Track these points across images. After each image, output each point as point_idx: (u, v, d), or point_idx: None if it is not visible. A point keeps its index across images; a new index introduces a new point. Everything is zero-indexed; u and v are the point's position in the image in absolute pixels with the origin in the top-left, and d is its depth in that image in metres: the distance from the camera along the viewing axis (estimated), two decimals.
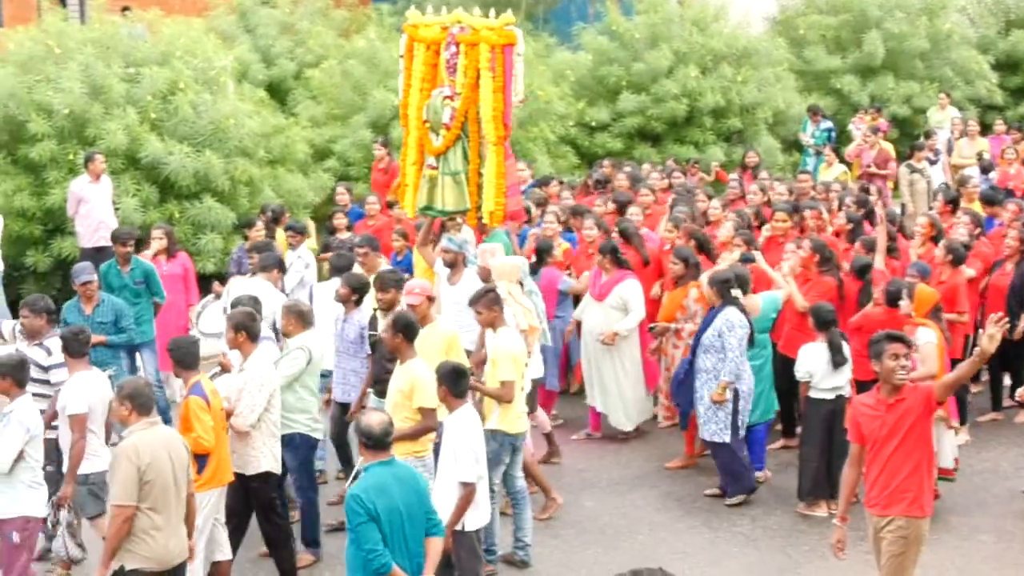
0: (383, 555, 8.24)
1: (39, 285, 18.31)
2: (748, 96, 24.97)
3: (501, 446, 11.08)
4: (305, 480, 11.55)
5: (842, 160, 22.93)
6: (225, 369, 11.46)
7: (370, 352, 12.33)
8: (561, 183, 19.56)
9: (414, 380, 10.35)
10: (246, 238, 16.32)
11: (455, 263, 13.50)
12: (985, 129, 26.08)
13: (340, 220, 17.53)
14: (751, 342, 12.71)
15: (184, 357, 10.36)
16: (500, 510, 11.40)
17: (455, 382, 9.78)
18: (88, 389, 10.70)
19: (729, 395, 12.48)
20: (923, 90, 27.72)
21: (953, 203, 17.16)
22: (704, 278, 13.29)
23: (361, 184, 21.17)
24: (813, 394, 12.38)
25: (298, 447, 11.33)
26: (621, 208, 16.82)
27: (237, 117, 19.70)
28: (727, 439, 12.54)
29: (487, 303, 11.36)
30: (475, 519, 9.78)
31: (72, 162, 18.74)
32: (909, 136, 26.02)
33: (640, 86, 24.70)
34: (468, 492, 9.53)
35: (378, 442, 8.50)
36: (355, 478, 9.74)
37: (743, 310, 12.64)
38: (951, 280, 14.03)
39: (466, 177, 14.03)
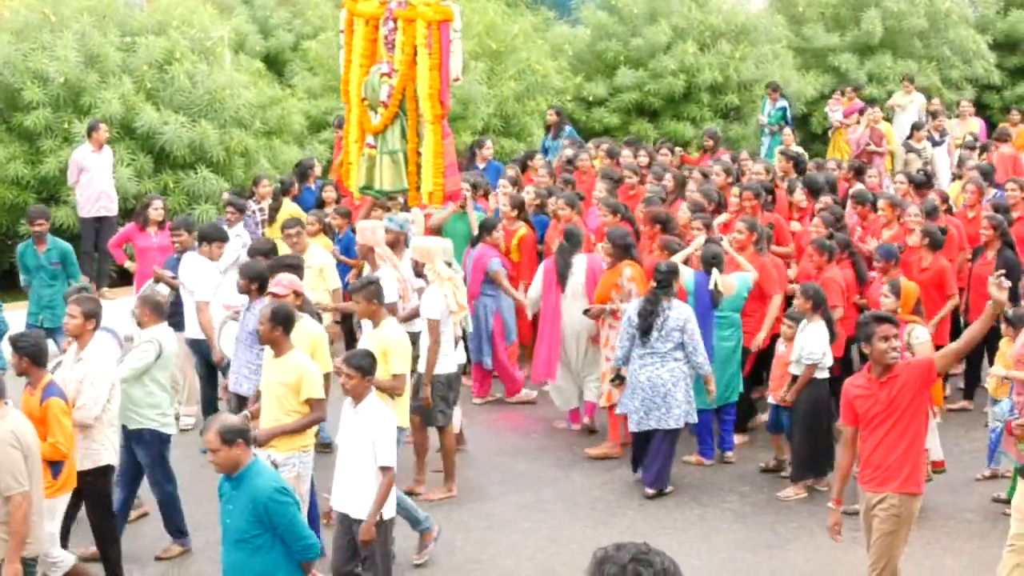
0: (314, 537, 8.32)
1: None
2: (746, 73, 24.95)
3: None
4: (160, 475, 11.00)
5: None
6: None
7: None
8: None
9: (301, 372, 9.98)
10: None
11: (396, 243, 13.22)
12: (981, 109, 26.07)
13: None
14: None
15: (34, 353, 9.64)
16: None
17: (371, 370, 9.42)
18: None
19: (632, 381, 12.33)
20: (921, 69, 27.66)
21: (920, 187, 16.92)
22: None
23: None
24: (816, 374, 12.20)
25: (148, 443, 10.86)
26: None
27: (233, 88, 19.69)
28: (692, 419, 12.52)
29: (367, 295, 10.96)
30: (390, 508, 9.48)
31: (67, 131, 18.73)
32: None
33: (638, 61, 24.70)
34: (390, 477, 9.24)
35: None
36: None
37: (648, 299, 12.23)
38: (934, 265, 13.91)
39: (404, 157, 13.75)
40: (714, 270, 12.94)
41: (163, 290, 13.31)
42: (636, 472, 12.60)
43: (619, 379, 12.38)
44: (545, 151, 21.04)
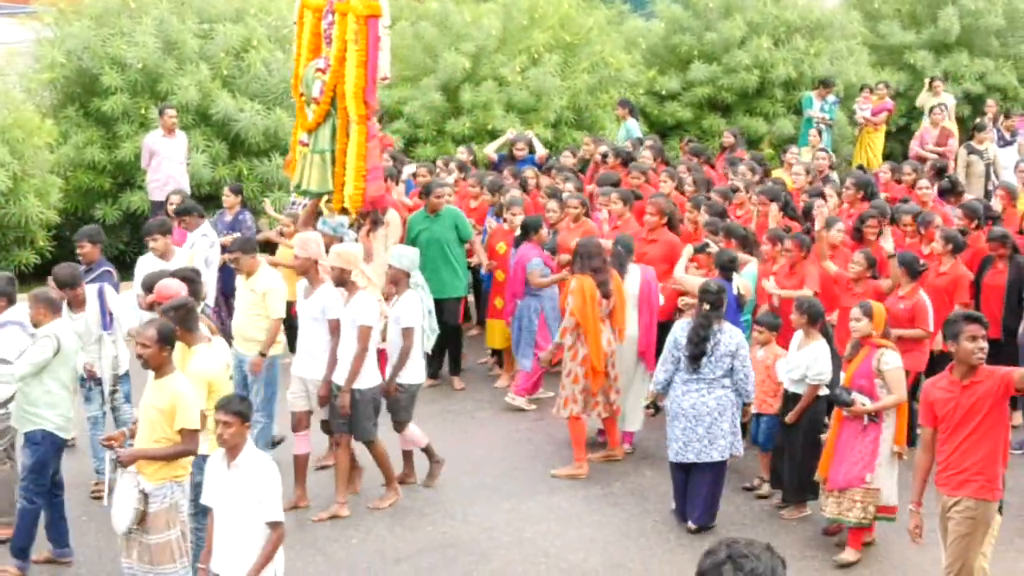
0: None
1: (108, 238, 18.48)
2: (820, 69, 24.73)
3: (200, 470, 9.65)
4: (34, 483, 10.38)
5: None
6: None
7: None
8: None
9: (175, 398, 9.21)
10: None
11: (329, 247, 12.31)
12: None
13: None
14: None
15: None
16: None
17: (247, 414, 8.58)
18: None
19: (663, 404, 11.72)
20: (998, 68, 27.36)
21: (946, 195, 16.43)
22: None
23: (430, 147, 21.18)
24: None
25: (39, 444, 10.37)
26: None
27: None
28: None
29: (178, 319, 9.89)
30: (278, 565, 8.65)
31: (144, 116, 18.91)
32: (982, 115, 25.73)
33: (712, 56, 24.55)
34: (280, 533, 8.50)
35: None
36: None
37: (700, 324, 11.33)
38: (953, 271, 13.44)
39: (332, 157, 13.31)
40: (734, 275, 12.63)
41: (213, 281, 13.61)
42: (676, 508, 11.72)
43: (654, 407, 11.85)
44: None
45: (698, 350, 11.21)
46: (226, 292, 14.96)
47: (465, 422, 14.10)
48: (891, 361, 10.68)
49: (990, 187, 20.12)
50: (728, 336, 11.28)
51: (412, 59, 22.75)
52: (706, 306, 11.30)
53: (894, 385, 10.65)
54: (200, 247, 14.15)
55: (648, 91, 24.53)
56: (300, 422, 11.77)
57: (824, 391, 11.41)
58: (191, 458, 9.46)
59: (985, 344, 9.03)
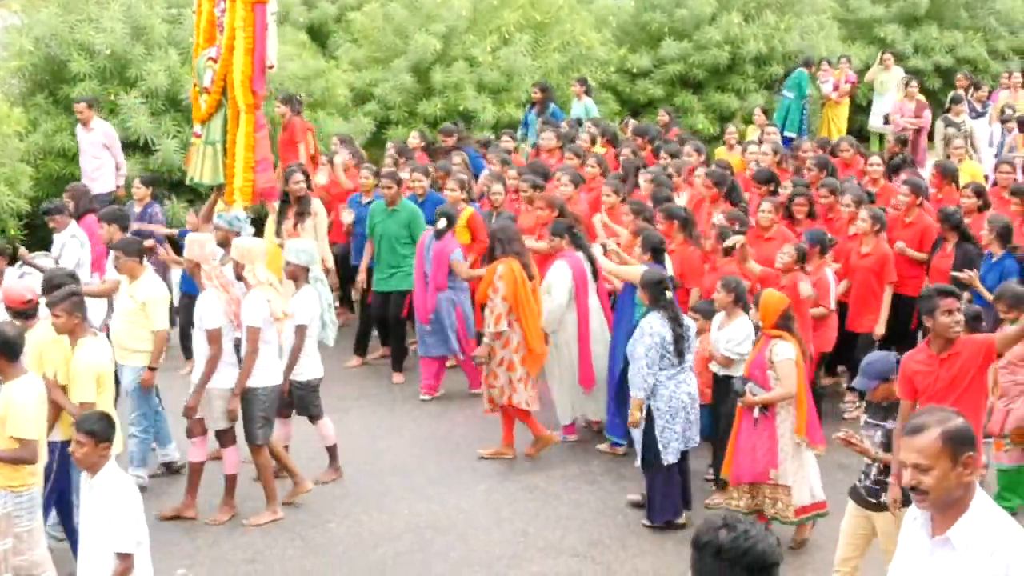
0: None
1: None
2: (791, 44, 24.79)
3: None
4: None
5: None
6: None
7: None
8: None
9: (9, 405, 8.86)
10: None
11: (226, 242, 12.03)
12: None
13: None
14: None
15: None
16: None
17: (106, 435, 8.03)
18: None
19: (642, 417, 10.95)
20: (967, 40, 27.43)
21: (894, 170, 16.33)
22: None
23: (401, 128, 21.13)
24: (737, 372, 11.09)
25: None
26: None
27: (278, 60, 19.61)
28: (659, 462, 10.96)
29: (67, 308, 9.66)
30: None
31: (113, 103, 18.79)
32: (952, 87, 25.80)
33: (682, 33, 24.56)
34: (127, 565, 7.92)
35: None
36: None
37: (674, 314, 10.97)
38: (876, 250, 13.24)
39: (223, 148, 13.09)
40: (666, 256, 12.31)
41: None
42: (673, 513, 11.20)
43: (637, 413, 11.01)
44: (525, 127, 20.74)
45: (683, 344, 10.94)
46: None
47: (438, 406, 14.08)
48: (782, 352, 10.20)
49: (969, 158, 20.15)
50: (688, 320, 11.19)
51: (383, 41, 22.74)
52: (669, 293, 11.06)
53: (783, 377, 10.17)
54: (70, 249, 13.74)
55: (619, 69, 24.53)
56: (193, 428, 11.27)
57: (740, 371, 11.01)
58: (35, 469, 9.08)
59: (961, 317, 9.03)
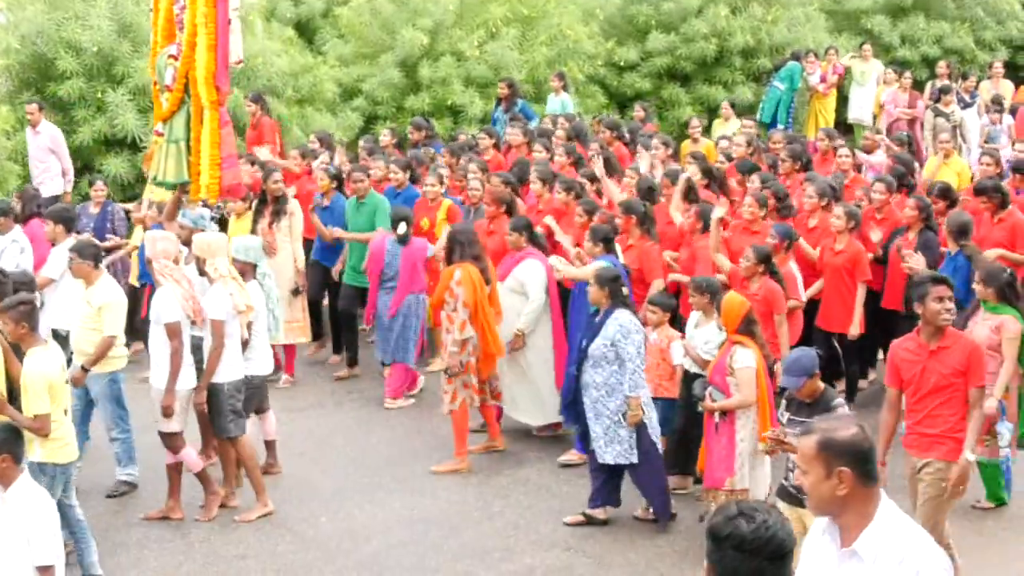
0: None
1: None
2: (778, 36, 24.79)
3: (53, 479, 9.49)
4: None
5: None
6: None
7: None
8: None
9: None
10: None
11: (191, 241, 11.96)
12: (1014, 71, 25.82)
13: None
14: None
15: None
16: None
17: (14, 445, 7.88)
18: None
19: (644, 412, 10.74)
20: (954, 30, 27.43)
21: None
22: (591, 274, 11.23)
23: (390, 124, 21.11)
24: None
25: None
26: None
27: (265, 56, 19.65)
28: (634, 460, 10.73)
29: (15, 316, 9.44)
30: None
31: (101, 100, 18.72)
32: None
33: (669, 25, 24.53)
34: None
35: None
36: None
37: (634, 310, 10.99)
38: (850, 248, 13.00)
39: (187, 146, 12.92)
40: (616, 246, 12.21)
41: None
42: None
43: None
44: (495, 123, 20.52)
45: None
46: None
47: (430, 399, 14.05)
48: (742, 360, 10.01)
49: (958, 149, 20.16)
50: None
51: (369, 36, 22.70)
52: (625, 289, 10.96)
53: (742, 385, 9.97)
54: (9, 254, 13.52)
55: (607, 62, 24.49)
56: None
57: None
58: None
59: (952, 305, 9.00)
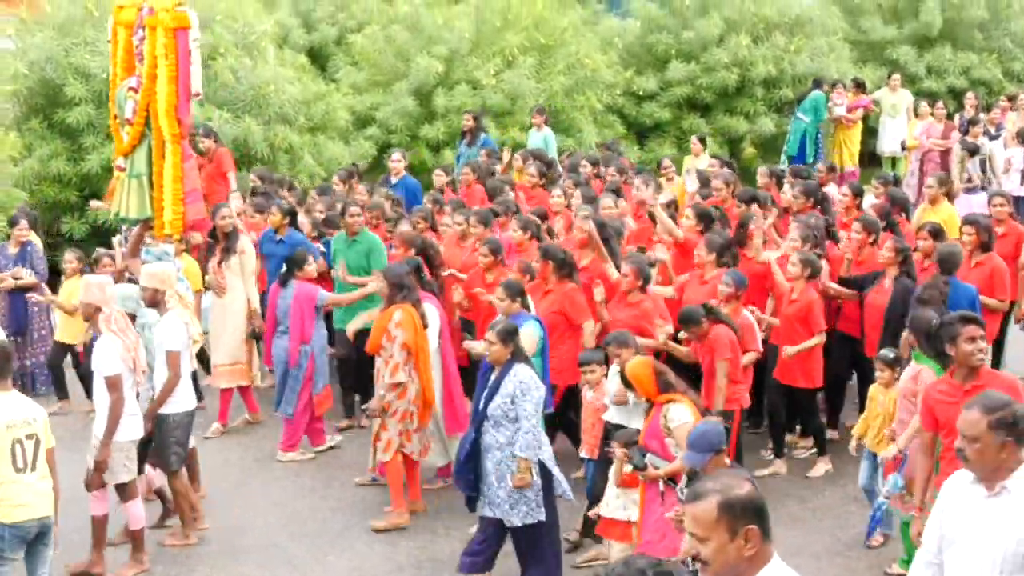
0: None
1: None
2: (801, 66, 24.50)
3: (2, 539, 8.87)
4: None
5: None
6: None
7: None
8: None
9: None
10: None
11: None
12: None
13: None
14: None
15: None
16: None
17: None
18: None
19: (534, 474, 9.77)
20: (982, 61, 27.13)
21: (859, 195, 14.88)
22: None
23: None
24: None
25: None
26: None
27: (277, 83, 19.44)
28: (542, 517, 9.87)
29: None
30: None
31: (110, 128, 18.43)
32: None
33: (690, 55, 24.31)
34: None
35: None
36: None
37: (531, 364, 10.14)
38: (804, 297, 12.11)
39: (149, 181, 12.74)
40: (528, 299, 11.62)
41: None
42: None
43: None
44: (459, 160, 19.78)
45: None
46: (18, 331, 14.35)
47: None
48: (678, 417, 9.12)
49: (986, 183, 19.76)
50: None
51: (384, 64, 22.52)
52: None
53: (683, 443, 8.81)
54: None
55: (626, 91, 24.26)
56: (93, 481, 10.41)
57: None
58: None
59: (984, 344, 8.72)
